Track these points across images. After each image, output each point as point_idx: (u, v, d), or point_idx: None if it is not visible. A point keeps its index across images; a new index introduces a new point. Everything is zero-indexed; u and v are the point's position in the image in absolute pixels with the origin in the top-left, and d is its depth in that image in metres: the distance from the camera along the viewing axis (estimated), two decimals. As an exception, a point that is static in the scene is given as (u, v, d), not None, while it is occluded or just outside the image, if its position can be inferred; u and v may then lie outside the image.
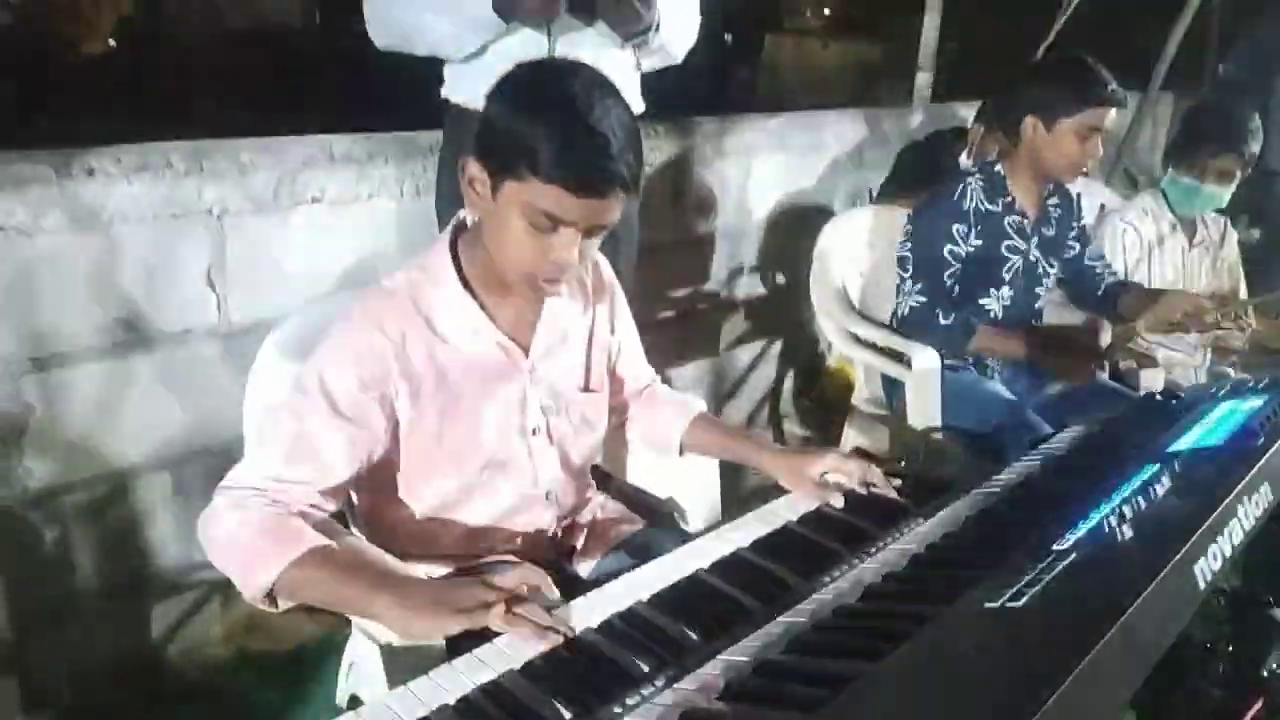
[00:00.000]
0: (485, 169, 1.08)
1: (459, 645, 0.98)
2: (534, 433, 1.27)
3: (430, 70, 1.85)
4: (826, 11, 18.20)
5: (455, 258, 1.19)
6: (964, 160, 2.86)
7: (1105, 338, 2.31)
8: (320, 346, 1.14)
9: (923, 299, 2.08)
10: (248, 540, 1.05)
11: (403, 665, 1.16)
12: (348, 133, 2.07)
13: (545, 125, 1.01)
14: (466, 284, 1.18)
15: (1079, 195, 2.27)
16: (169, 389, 1.90)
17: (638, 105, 1.90)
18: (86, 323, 1.76)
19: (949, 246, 2.05)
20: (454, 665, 0.94)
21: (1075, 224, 2.24)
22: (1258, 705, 1.13)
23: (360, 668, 1.37)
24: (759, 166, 3.05)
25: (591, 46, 1.72)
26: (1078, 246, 2.25)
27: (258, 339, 1.41)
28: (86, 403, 1.80)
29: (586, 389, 1.33)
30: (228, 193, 1.87)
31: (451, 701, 0.88)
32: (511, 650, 0.94)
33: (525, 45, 1.69)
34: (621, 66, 1.79)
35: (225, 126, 2.25)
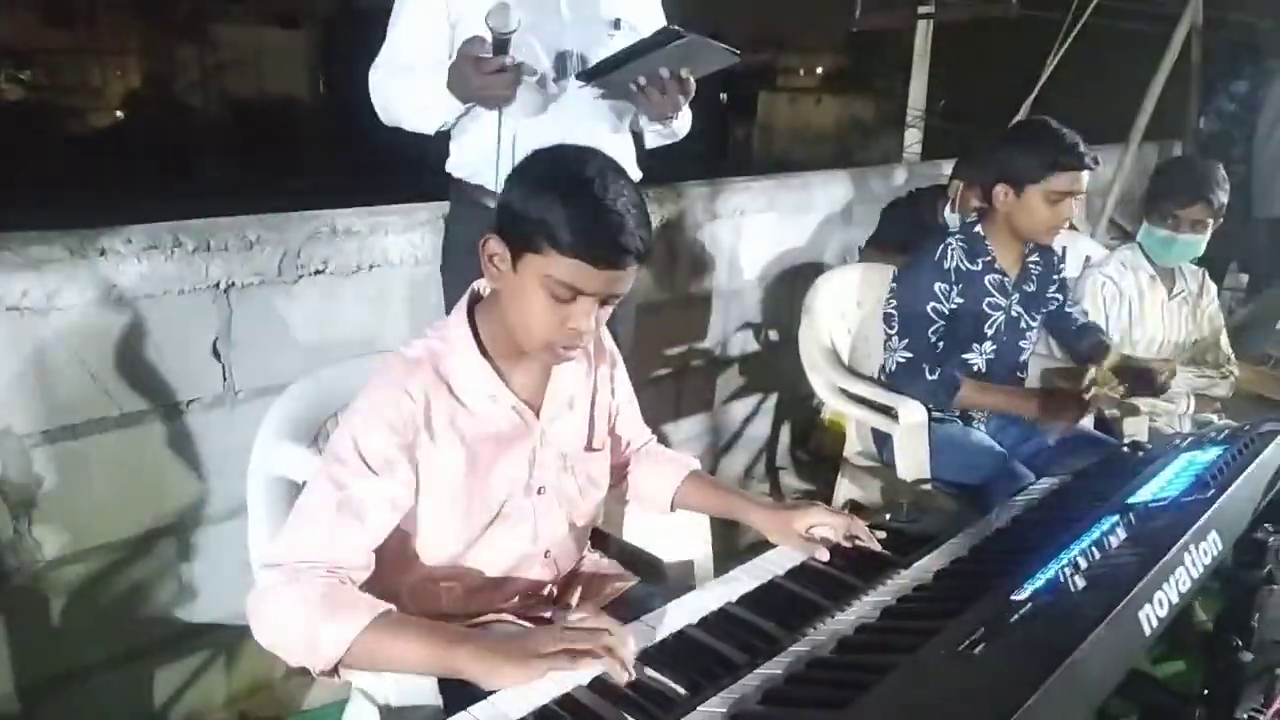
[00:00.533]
0: (506, 244, 1.16)
1: (455, 705, 1.02)
2: (540, 492, 1.32)
3: (426, 143, 1.93)
4: (819, 70, 18.64)
5: (473, 326, 1.26)
6: (947, 214, 2.94)
7: (1087, 388, 2.36)
8: (349, 413, 1.21)
9: (909, 355, 2.14)
10: (312, 612, 1.08)
11: (401, 725, 1.21)
12: (350, 206, 2.16)
13: (564, 205, 1.10)
14: (484, 351, 1.25)
15: (1064, 249, 2.33)
16: (176, 457, 1.95)
17: (635, 174, 1.98)
18: (96, 395, 1.82)
19: (932, 304, 2.12)
20: (448, 723, 0.97)
21: (1056, 277, 2.31)
22: (1236, 749, 1.17)
23: (361, 729, 1.40)
24: (750, 227, 3.14)
25: (585, 125, 1.80)
26: (1060, 298, 2.32)
27: (263, 406, 1.47)
28: (95, 473, 1.85)
29: (590, 449, 1.39)
30: (234, 268, 1.95)
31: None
32: (506, 707, 0.98)
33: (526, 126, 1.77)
34: (616, 144, 1.88)
35: (230, 193, 2.34)
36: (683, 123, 1.94)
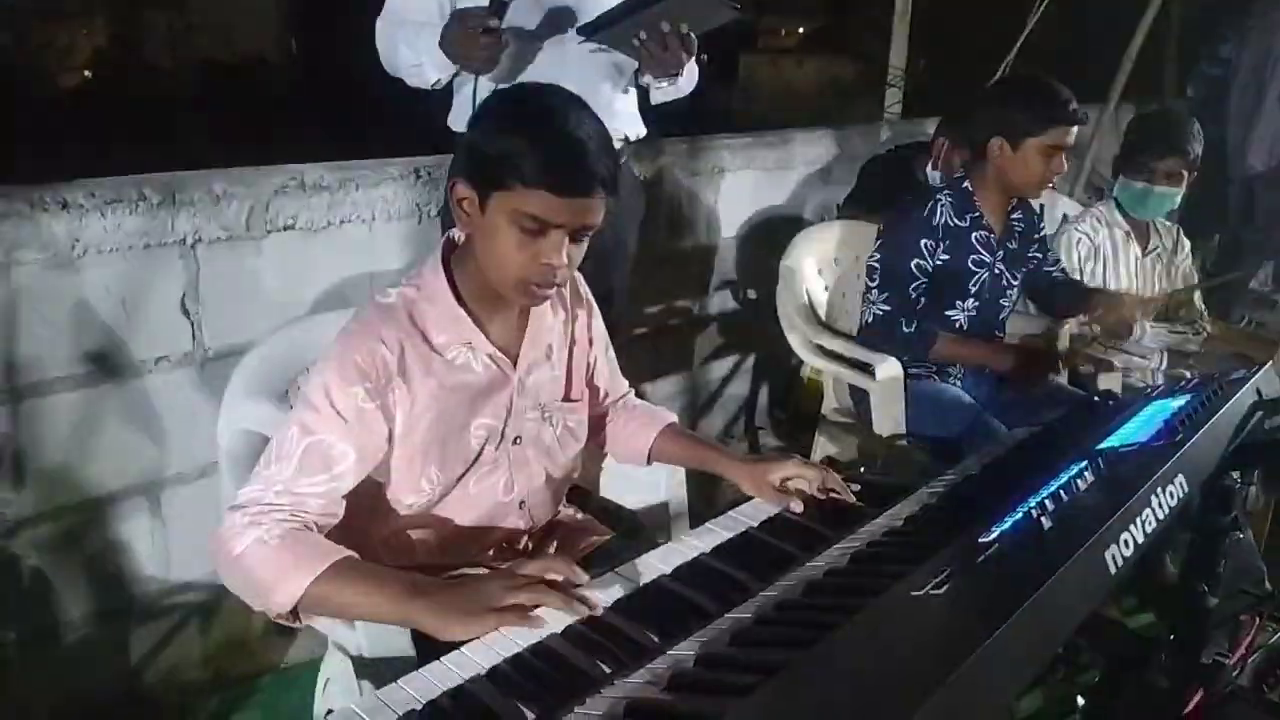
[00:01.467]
0: (473, 186, 1.15)
1: (429, 654, 1.02)
2: (516, 441, 1.32)
3: (406, 99, 1.91)
4: (800, 30, 18.46)
5: (449, 275, 1.24)
6: (929, 171, 2.93)
7: (1063, 344, 2.37)
8: (322, 361, 1.19)
9: (887, 308, 2.15)
10: (269, 556, 1.07)
11: (375, 676, 1.20)
12: (323, 161, 2.12)
13: (527, 137, 1.10)
14: (460, 299, 1.23)
15: (1041, 207, 2.34)
16: (145, 416, 1.93)
17: (639, 129, 2.02)
18: (62, 353, 1.79)
19: (916, 260, 2.12)
20: (423, 673, 0.97)
21: (1037, 235, 2.32)
22: (1199, 695, 1.19)
23: (336, 682, 1.40)
24: (729, 184, 3.11)
25: (588, 81, 1.77)
26: (1040, 256, 2.33)
27: (233, 364, 1.45)
28: (63, 432, 1.82)
29: (568, 399, 1.39)
30: (201, 223, 1.91)
31: (419, 706, 0.92)
32: (479, 656, 0.98)
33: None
34: (619, 100, 1.92)
35: (200, 156, 2.30)
36: (688, 79, 1.94)
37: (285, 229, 2.02)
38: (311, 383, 1.18)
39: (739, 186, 3.15)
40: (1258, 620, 1.28)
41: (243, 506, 1.11)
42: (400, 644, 1.18)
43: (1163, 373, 2.60)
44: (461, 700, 0.93)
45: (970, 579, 0.74)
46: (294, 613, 1.09)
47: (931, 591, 0.73)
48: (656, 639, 0.96)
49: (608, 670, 0.92)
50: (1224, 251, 4.50)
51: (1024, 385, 2.15)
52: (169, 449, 1.97)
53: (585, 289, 1.44)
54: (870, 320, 2.19)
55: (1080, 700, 1.24)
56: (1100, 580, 0.74)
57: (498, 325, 1.27)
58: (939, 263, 2.13)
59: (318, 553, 1.08)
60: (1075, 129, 2.04)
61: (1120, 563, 0.76)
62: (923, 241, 2.12)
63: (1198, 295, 2.69)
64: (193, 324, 1.95)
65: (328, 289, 2.11)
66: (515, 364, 1.29)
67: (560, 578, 1.05)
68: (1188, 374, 2.62)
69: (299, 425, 1.15)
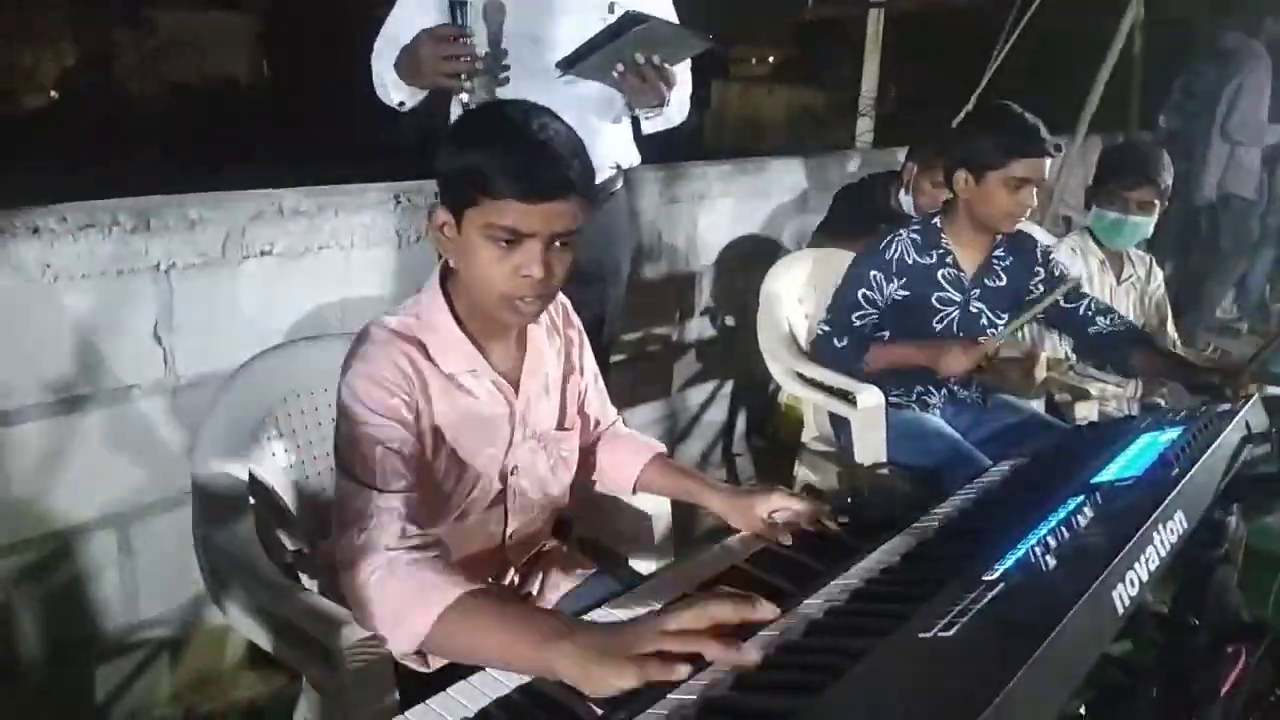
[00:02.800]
0: (448, 209, 1.14)
1: (412, 699, 0.98)
2: (513, 472, 1.30)
3: (385, 123, 1.89)
4: (771, 60, 18.69)
5: (449, 302, 1.22)
6: (901, 197, 2.96)
7: (1039, 373, 2.38)
8: (345, 384, 1.15)
9: (826, 328, 2.19)
10: (392, 589, 1.01)
11: (352, 716, 1.17)
12: (296, 186, 2.09)
13: (490, 148, 1.09)
14: (461, 327, 1.21)
15: (1037, 244, 2.25)
16: (115, 446, 1.87)
17: (634, 158, 2.03)
18: (31, 380, 1.74)
19: (863, 291, 2.13)
20: (407, 717, 0.94)
21: (1039, 269, 2.21)
22: (1190, 724, 1.18)
23: (312, 722, 1.36)
24: (707, 212, 3.12)
25: (574, 111, 1.78)
26: (1036, 289, 2.21)
27: (206, 393, 1.42)
28: (30, 461, 1.77)
29: (562, 427, 1.37)
30: (175, 248, 1.87)
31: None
32: (464, 699, 0.95)
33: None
34: (609, 131, 1.93)
35: (171, 179, 2.26)
36: (678, 109, 1.97)
37: (262, 254, 1.98)
38: (345, 402, 1.14)
39: (718, 213, 3.16)
40: (1244, 652, 1.29)
41: (373, 551, 1.04)
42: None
43: (1137, 401, 2.63)
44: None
45: (978, 620, 0.72)
46: (420, 654, 1.03)
47: (940, 634, 0.71)
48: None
49: (599, 712, 0.90)
50: (1188, 278, 4.60)
51: (945, 371, 2.07)
52: (139, 479, 1.92)
53: (574, 315, 1.43)
54: (812, 342, 2.21)
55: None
56: (1109, 620, 0.73)
57: (498, 352, 1.26)
58: (897, 298, 2.13)
59: (445, 584, 0.99)
60: (1046, 161, 1.98)
61: (1127, 602, 0.75)
62: (872, 273, 2.13)
63: (1170, 324, 2.73)
64: (165, 351, 1.90)
65: (304, 316, 2.07)
66: (517, 391, 1.27)
67: (728, 618, 0.86)
68: (1161, 402, 2.66)
69: (362, 449, 1.10)
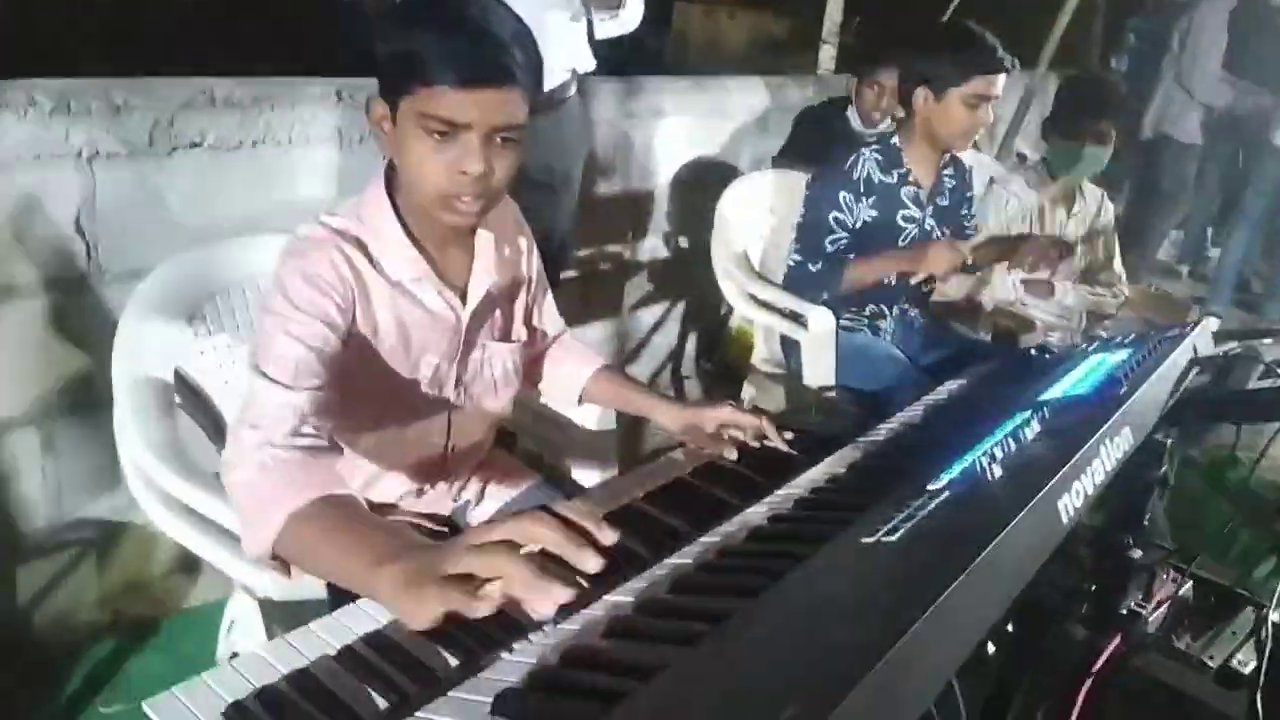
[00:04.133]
0: (385, 100, 1.06)
1: (343, 597, 0.95)
2: (458, 383, 1.25)
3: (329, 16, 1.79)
4: (735, -18, 18.24)
5: (394, 205, 1.15)
6: (849, 113, 2.94)
7: (988, 304, 2.39)
8: (275, 277, 1.08)
9: (798, 258, 2.16)
10: (257, 484, 0.94)
11: (283, 620, 1.14)
12: (230, 76, 1.97)
13: (427, 32, 1.01)
14: (407, 232, 1.15)
15: (971, 168, 2.34)
16: (35, 341, 1.78)
17: (589, 63, 1.97)
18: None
19: (834, 213, 2.10)
20: (336, 616, 0.90)
21: (968, 194, 2.31)
22: (1116, 641, 1.21)
23: (241, 625, 1.33)
24: (665, 129, 3.04)
25: (540, 11, 1.70)
26: (966, 212, 2.33)
27: (132, 290, 1.34)
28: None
29: (508, 339, 1.32)
30: (98, 135, 1.76)
31: (334, 652, 0.86)
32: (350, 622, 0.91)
33: None
34: (573, 31, 1.89)
35: (92, 59, 2.11)
36: (631, 13, 1.93)
37: (192, 146, 1.87)
38: (265, 311, 1.07)
39: (675, 131, 3.08)
40: (1171, 573, 1.32)
41: (253, 425, 0.98)
42: (311, 586, 1.11)
43: (1081, 334, 2.67)
44: (378, 644, 0.87)
45: (921, 527, 0.71)
46: (280, 560, 0.94)
47: (883, 539, 0.70)
48: (587, 584, 0.91)
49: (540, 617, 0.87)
50: (1131, 216, 4.66)
51: (934, 271, 2.08)
52: (62, 377, 1.83)
53: (524, 223, 1.37)
54: (785, 273, 2.19)
55: (991, 647, 1.24)
56: (1053, 530, 0.73)
57: (444, 259, 1.19)
58: (867, 219, 2.11)
59: (307, 485, 0.92)
60: (1002, 78, 2.00)
61: (1072, 513, 0.74)
62: (842, 195, 2.10)
63: (1117, 260, 2.75)
64: (88, 244, 1.80)
65: (238, 217, 1.97)
66: (464, 300, 1.22)
67: (548, 544, 0.75)
68: (1103, 334, 2.71)
69: (269, 332, 1.04)
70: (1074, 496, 0.76)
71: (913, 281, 2.16)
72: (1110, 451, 0.85)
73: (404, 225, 1.14)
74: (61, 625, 1.94)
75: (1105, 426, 0.85)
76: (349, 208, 1.16)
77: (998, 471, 0.79)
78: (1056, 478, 0.75)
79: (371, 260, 1.13)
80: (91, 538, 1.96)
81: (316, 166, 2.09)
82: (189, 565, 2.06)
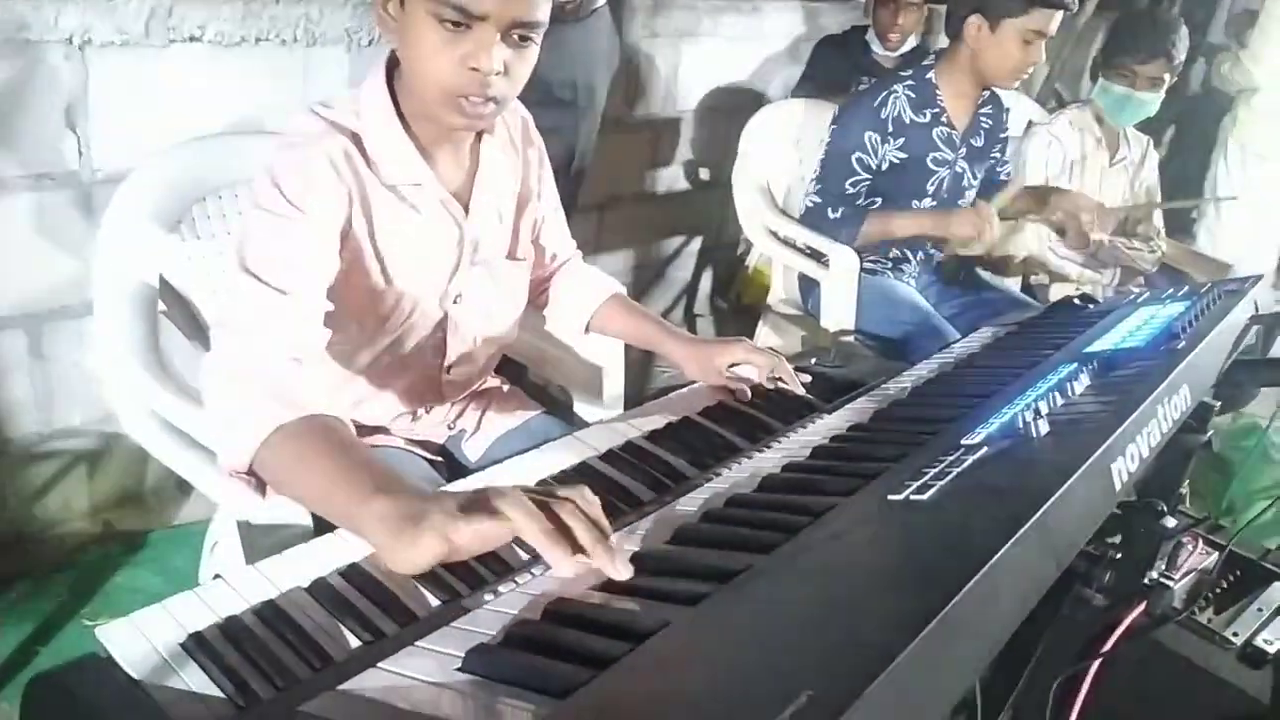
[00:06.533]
0: None
1: (325, 526, 0.89)
2: (456, 300, 1.17)
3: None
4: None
5: (395, 102, 1.05)
6: (870, 39, 2.85)
7: (1019, 254, 2.29)
8: (265, 169, 0.99)
9: (817, 199, 2.06)
10: (232, 390, 0.87)
11: (262, 545, 1.08)
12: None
13: None
14: (407, 131, 1.05)
15: (1008, 110, 2.21)
16: (22, 240, 1.71)
17: None
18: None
19: (857, 154, 1.99)
20: (312, 545, 0.84)
21: (1002, 134, 2.19)
22: (1137, 610, 1.14)
23: (223, 546, 1.27)
24: (691, 52, 2.90)
25: None
26: (999, 157, 2.22)
27: (126, 189, 1.26)
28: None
29: (513, 257, 1.23)
30: (91, 21, 1.65)
31: (306, 584, 0.80)
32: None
33: None
34: None
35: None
36: None
37: (191, 40, 1.76)
38: (260, 197, 0.97)
39: (701, 55, 2.93)
40: (1199, 542, 1.25)
41: (237, 330, 0.91)
42: (295, 511, 1.05)
43: (1114, 288, 2.56)
44: (355, 578, 0.80)
45: (957, 485, 0.63)
46: (257, 478, 0.87)
47: (912, 496, 0.62)
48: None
49: (525, 558, 0.81)
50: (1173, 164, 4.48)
51: (959, 238, 2.01)
52: (51, 279, 1.76)
53: (535, 133, 1.27)
54: (803, 213, 2.10)
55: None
56: (1107, 495, 0.65)
57: (446, 165, 1.10)
58: (894, 160, 2.00)
59: (293, 401, 0.84)
60: (1059, 14, 1.89)
61: (1125, 477, 0.67)
62: (867, 134, 1.98)
63: (1157, 213, 2.63)
64: (79, 140, 1.71)
65: (238, 118, 1.87)
66: (467, 212, 1.12)
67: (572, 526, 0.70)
68: (1135, 290, 2.59)
69: (265, 239, 0.95)
70: (1128, 460, 0.68)
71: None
72: (1167, 411, 0.76)
73: (405, 125, 1.05)
74: (51, 534, 1.90)
75: (1165, 383, 0.77)
76: (345, 101, 1.06)
77: (1044, 428, 0.71)
78: (1113, 436, 0.67)
79: (368, 160, 1.04)
80: (82, 448, 1.91)
81: (323, 69, 1.97)
82: (182, 480, 2.01)
